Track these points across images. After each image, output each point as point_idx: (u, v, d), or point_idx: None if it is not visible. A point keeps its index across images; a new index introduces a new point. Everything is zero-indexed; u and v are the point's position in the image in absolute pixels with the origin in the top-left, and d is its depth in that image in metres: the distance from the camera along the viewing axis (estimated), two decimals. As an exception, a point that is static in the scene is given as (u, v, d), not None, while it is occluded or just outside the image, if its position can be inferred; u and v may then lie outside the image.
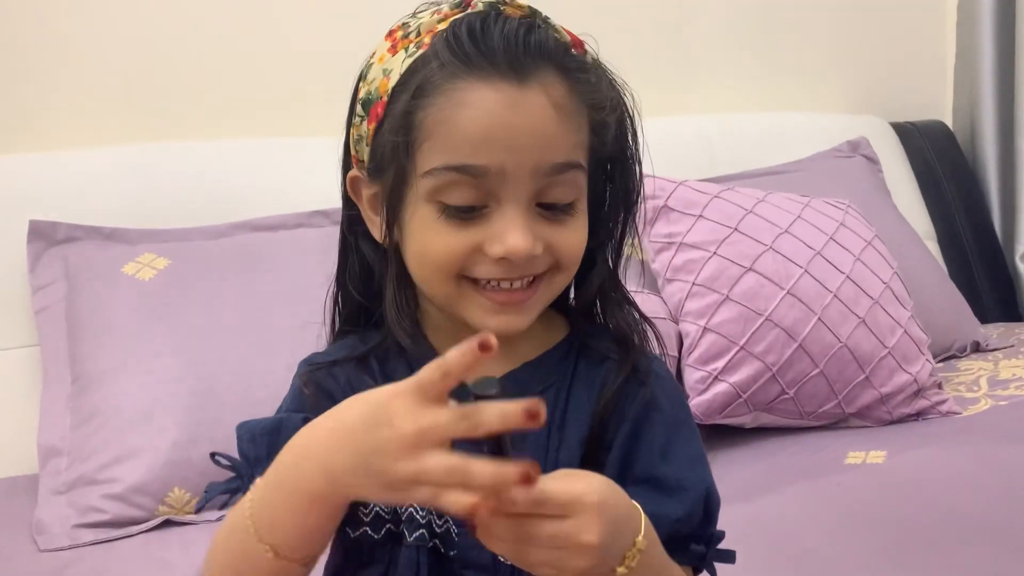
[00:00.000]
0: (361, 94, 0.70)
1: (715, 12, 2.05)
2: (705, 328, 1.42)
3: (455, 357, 0.51)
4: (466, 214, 0.65)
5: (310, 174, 1.47)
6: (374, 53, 0.70)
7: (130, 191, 1.51)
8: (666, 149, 1.67)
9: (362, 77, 0.70)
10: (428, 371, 0.52)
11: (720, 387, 1.39)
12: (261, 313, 1.35)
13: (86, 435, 1.25)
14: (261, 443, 0.68)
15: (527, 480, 0.51)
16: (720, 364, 1.40)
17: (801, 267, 1.47)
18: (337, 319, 0.76)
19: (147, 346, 1.29)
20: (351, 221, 0.75)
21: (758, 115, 2.05)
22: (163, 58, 1.61)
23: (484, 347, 0.50)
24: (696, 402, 1.39)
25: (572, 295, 0.76)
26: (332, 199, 0.77)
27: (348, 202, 0.74)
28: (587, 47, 0.71)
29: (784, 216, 1.55)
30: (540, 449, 0.70)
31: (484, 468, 0.51)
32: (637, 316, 0.75)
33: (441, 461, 0.51)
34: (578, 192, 0.68)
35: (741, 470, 1.31)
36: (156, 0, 1.61)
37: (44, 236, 1.43)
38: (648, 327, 0.76)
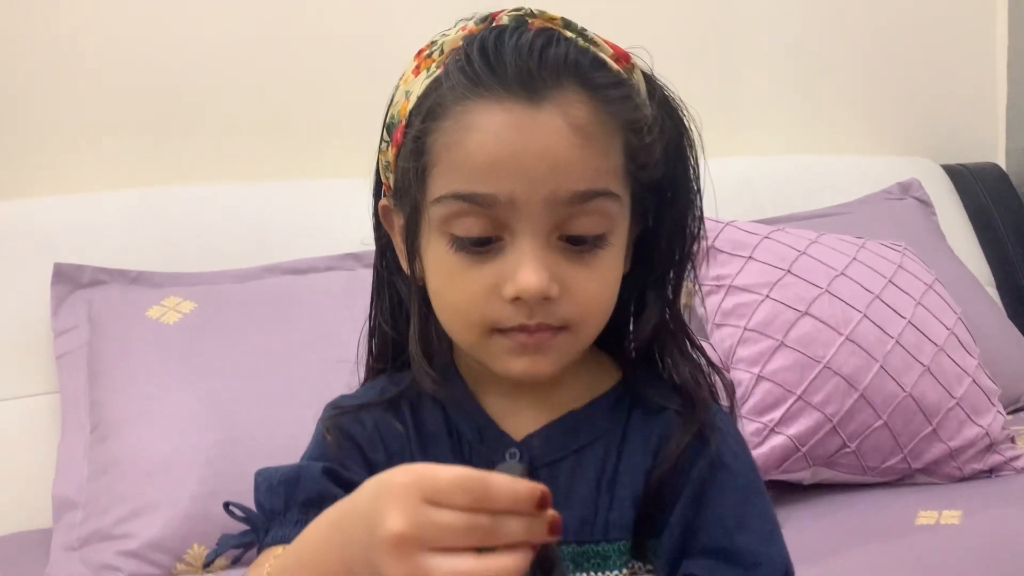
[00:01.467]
0: (387, 118, 0.65)
1: (758, 53, 1.99)
2: (759, 376, 1.33)
3: (489, 486, 0.44)
4: (478, 247, 0.59)
5: (341, 216, 1.41)
6: (403, 74, 0.65)
7: (157, 234, 1.47)
8: (707, 191, 1.62)
9: (391, 100, 0.66)
10: (448, 480, 0.44)
11: (777, 440, 1.30)
12: (289, 359, 1.29)
13: (103, 487, 1.18)
14: (278, 493, 0.62)
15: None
16: (776, 415, 1.31)
17: (860, 311, 1.39)
18: (370, 358, 0.70)
19: (169, 393, 1.23)
20: (384, 253, 0.70)
21: (802, 156, 1.98)
22: (190, 99, 1.58)
23: (540, 504, 0.44)
24: (750, 456, 1.30)
25: (632, 337, 0.69)
26: (364, 242, 0.72)
27: (380, 232, 0.69)
28: (635, 60, 0.64)
29: (839, 258, 1.47)
30: (589, 509, 0.64)
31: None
32: (704, 364, 0.68)
33: (441, 566, 0.43)
34: (609, 224, 0.61)
35: (802, 530, 1.21)
36: (184, 40, 1.58)
37: (69, 279, 1.39)
38: (716, 375, 0.69)
